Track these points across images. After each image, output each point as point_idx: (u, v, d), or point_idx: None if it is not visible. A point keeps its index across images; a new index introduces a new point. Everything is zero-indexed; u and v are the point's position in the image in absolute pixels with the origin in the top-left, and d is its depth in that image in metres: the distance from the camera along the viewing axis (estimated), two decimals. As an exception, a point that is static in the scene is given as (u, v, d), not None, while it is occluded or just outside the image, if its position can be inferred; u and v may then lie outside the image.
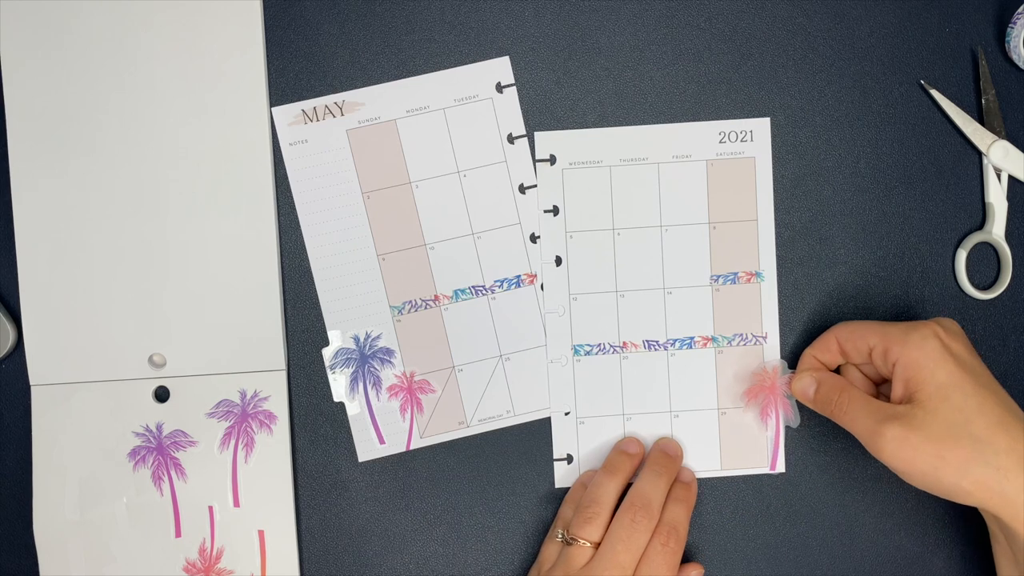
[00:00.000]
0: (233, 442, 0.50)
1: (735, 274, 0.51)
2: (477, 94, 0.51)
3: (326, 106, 0.50)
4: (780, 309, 0.51)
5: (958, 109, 0.51)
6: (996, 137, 0.51)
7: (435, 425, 0.51)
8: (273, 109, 0.50)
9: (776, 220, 0.51)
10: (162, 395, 0.50)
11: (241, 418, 0.50)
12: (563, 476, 0.51)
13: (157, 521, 0.50)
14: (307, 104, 0.50)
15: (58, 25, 0.50)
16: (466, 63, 0.51)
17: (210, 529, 0.50)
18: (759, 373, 0.51)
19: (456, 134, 0.51)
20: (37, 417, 0.50)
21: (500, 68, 0.51)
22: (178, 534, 0.50)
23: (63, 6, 0.50)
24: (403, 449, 0.51)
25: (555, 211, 0.51)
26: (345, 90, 0.51)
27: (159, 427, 0.50)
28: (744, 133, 0.51)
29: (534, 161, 0.51)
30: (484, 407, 0.51)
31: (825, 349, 0.48)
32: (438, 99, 0.51)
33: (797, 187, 0.51)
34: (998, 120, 0.51)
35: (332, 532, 0.51)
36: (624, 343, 0.51)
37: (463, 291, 0.51)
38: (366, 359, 0.51)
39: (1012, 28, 0.50)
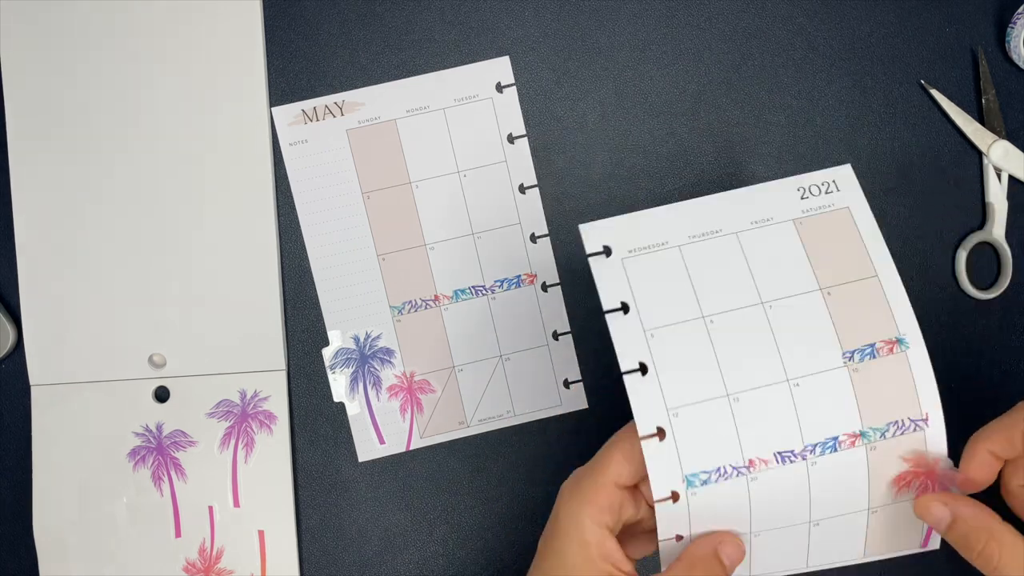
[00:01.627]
0: (233, 442, 0.50)
1: (872, 345, 0.41)
2: (477, 94, 0.51)
3: (326, 106, 0.50)
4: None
5: (958, 109, 0.51)
6: (996, 137, 0.51)
7: (435, 425, 0.51)
8: (273, 109, 0.50)
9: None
10: (162, 395, 0.50)
11: (241, 418, 0.50)
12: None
13: (157, 521, 0.50)
14: (307, 104, 0.50)
15: (58, 25, 0.50)
16: (466, 63, 0.51)
17: (210, 529, 0.50)
18: (913, 458, 0.40)
19: (456, 134, 0.51)
20: (37, 417, 0.50)
21: (500, 68, 0.51)
22: (178, 534, 0.50)
23: (63, 6, 0.50)
24: (403, 449, 0.51)
25: (624, 308, 0.41)
26: (345, 90, 0.51)
27: (159, 427, 0.50)
28: (826, 184, 0.43)
29: (535, 161, 0.51)
30: (484, 407, 0.51)
31: (1006, 440, 0.37)
32: (438, 99, 0.51)
33: (797, 187, 0.51)
34: (998, 120, 0.51)
35: (332, 532, 0.51)
36: (750, 461, 0.40)
37: (463, 291, 0.51)
38: (366, 359, 0.51)
39: (1012, 28, 0.50)
